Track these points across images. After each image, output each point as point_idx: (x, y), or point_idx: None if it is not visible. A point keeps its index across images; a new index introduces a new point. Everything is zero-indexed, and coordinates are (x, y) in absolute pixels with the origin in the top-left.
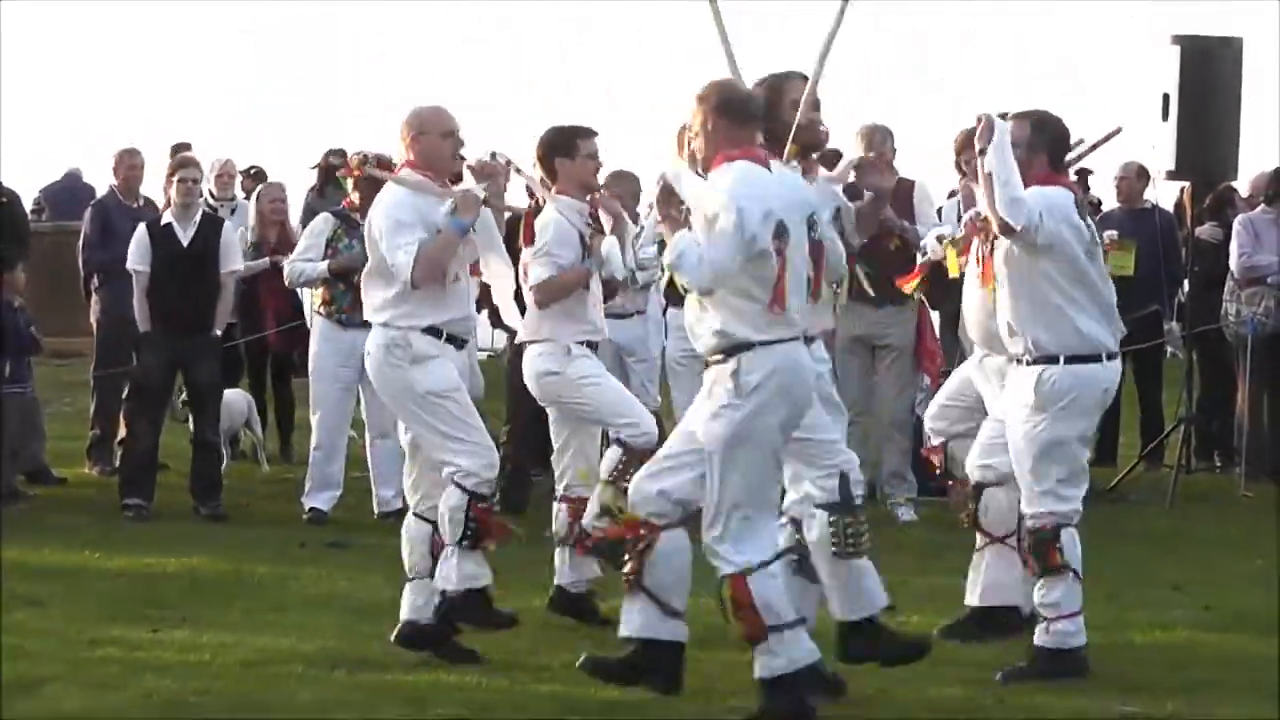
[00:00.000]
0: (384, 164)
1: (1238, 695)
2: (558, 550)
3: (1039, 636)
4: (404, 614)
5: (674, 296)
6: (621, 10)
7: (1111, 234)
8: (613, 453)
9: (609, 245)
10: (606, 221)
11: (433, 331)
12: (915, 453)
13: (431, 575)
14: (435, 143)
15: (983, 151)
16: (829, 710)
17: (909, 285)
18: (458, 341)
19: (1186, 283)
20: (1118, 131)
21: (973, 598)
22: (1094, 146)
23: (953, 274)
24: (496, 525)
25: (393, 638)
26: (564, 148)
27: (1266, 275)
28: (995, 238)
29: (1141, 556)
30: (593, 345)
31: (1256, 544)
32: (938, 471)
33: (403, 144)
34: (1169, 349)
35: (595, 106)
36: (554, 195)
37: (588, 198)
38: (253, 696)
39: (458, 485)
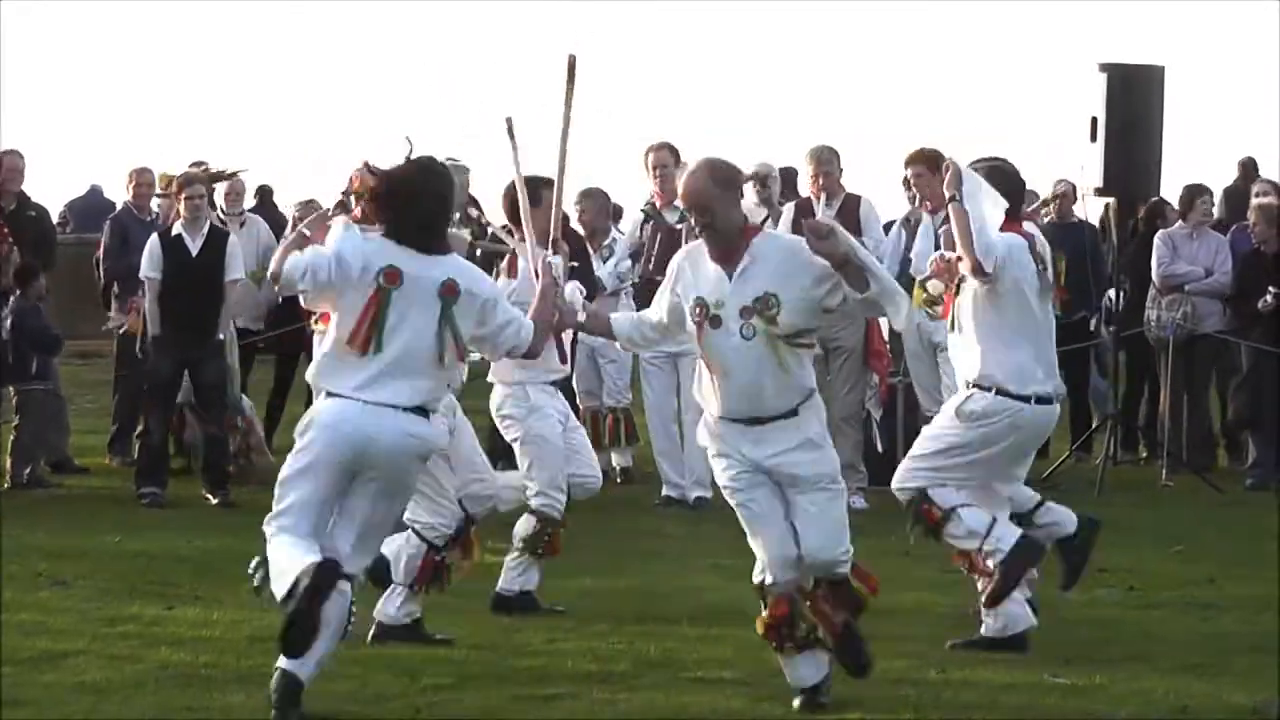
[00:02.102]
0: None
1: (1159, 668)
2: (511, 556)
3: (986, 626)
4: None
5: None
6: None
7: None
8: (525, 522)
9: (571, 290)
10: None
11: None
12: (867, 444)
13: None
14: None
15: (953, 199)
16: (779, 681)
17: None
18: None
19: (1112, 292)
20: (1060, 196)
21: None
22: (1042, 204)
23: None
24: (442, 571)
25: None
26: (531, 198)
27: (1184, 284)
28: (962, 278)
29: None
30: (558, 384)
31: (1177, 530)
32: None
33: None
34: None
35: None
36: (519, 243)
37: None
38: (259, 668)
39: (419, 535)
